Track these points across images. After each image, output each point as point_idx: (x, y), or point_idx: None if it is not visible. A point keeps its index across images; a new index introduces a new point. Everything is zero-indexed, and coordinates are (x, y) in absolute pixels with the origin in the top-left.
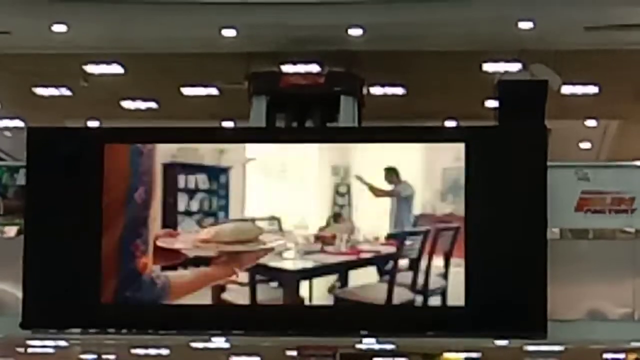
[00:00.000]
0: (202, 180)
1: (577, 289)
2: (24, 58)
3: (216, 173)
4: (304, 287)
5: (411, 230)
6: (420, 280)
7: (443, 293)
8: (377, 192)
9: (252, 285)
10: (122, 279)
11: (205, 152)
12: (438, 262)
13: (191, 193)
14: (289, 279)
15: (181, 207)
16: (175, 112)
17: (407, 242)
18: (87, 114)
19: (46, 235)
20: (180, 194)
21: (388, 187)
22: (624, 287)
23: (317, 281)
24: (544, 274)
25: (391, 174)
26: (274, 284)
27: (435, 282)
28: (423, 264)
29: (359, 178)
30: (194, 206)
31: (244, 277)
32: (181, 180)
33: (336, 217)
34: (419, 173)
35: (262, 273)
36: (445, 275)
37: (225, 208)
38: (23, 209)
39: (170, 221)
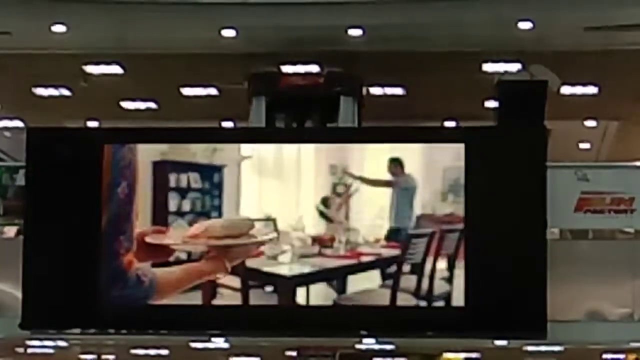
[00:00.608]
0: (194, 179)
1: (576, 289)
2: (24, 58)
3: (209, 172)
4: (301, 294)
5: (415, 233)
6: (425, 285)
7: (447, 298)
8: (375, 183)
9: (245, 291)
10: (107, 277)
11: (198, 150)
12: (442, 265)
13: (183, 192)
14: (285, 286)
15: (172, 207)
16: (174, 113)
17: (411, 245)
18: (87, 114)
19: (45, 235)
20: (172, 194)
21: (388, 178)
22: (623, 288)
23: (314, 287)
24: (544, 274)
25: (395, 164)
26: (269, 289)
27: (439, 287)
28: (427, 267)
29: (350, 174)
30: (186, 206)
31: (236, 282)
32: (172, 179)
33: (325, 201)
34: (419, 173)
35: (255, 278)
36: (449, 280)
37: (218, 208)
38: (22, 210)
39: (160, 221)
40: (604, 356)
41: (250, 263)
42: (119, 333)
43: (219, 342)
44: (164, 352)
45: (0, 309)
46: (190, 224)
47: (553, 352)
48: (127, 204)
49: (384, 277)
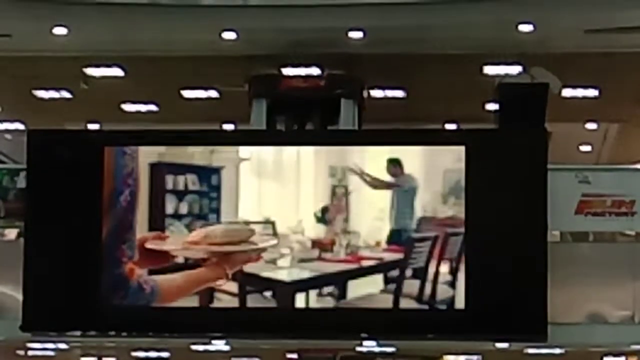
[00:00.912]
0: (191, 180)
1: (577, 291)
2: (25, 61)
3: (207, 173)
4: (300, 300)
5: (418, 236)
6: (428, 290)
7: (451, 303)
8: (376, 184)
9: (243, 296)
10: (109, 285)
11: (195, 152)
12: (446, 269)
13: (180, 194)
14: (284, 291)
15: (169, 209)
16: (175, 115)
17: (414, 249)
18: (88, 116)
19: (46, 238)
20: (169, 196)
21: (389, 179)
22: (624, 290)
23: (314, 293)
24: (544, 276)
25: (394, 165)
26: (268, 294)
27: (443, 292)
28: (431, 272)
29: (354, 170)
30: (183, 209)
31: (234, 287)
32: (169, 180)
33: (324, 211)
34: (419, 175)
35: (254, 284)
36: (452, 284)
37: (216, 210)
38: (23, 212)
39: (157, 224)
40: (605, 359)
41: (249, 268)
42: (119, 335)
43: (219, 345)
44: (165, 354)
45: (1, 311)
46: (188, 226)
47: (554, 354)
48: (130, 213)
49: (386, 281)
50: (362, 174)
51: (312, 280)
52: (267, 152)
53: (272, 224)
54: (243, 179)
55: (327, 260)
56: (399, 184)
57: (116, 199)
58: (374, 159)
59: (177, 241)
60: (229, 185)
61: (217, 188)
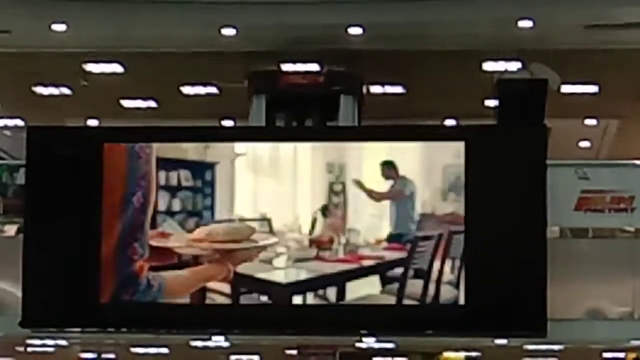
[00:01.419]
0: (185, 176)
1: (576, 288)
2: (24, 57)
3: (201, 169)
4: (297, 302)
5: (422, 235)
6: (431, 290)
7: (454, 303)
8: (378, 197)
9: (236, 298)
10: (119, 282)
11: (189, 147)
12: (448, 268)
13: (173, 191)
14: (280, 294)
15: (162, 206)
16: (174, 111)
17: (417, 247)
18: (87, 113)
19: (46, 234)
20: (161, 192)
21: (386, 184)
22: (623, 286)
23: (311, 295)
24: (544, 272)
25: (389, 167)
26: (264, 297)
27: (446, 292)
28: (434, 271)
29: (358, 183)
30: (176, 205)
31: (227, 288)
32: (162, 176)
33: (324, 210)
34: (418, 171)
35: (248, 285)
36: (456, 284)
37: (210, 208)
38: (23, 208)
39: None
40: (604, 355)
41: (242, 269)
42: (118, 332)
43: (219, 341)
44: (164, 350)
45: (0, 307)
46: (182, 224)
47: (553, 350)
48: (142, 213)
49: (387, 281)
50: (363, 188)
51: (310, 282)
52: (263, 148)
53: (268, 221)
54: (238, 174)
55: (326, 259)
56: (400, 188)
57: (129, 199)
58: (371, 156)
59: (180, 239)
60: (223, 181)
61: (211, 184)
